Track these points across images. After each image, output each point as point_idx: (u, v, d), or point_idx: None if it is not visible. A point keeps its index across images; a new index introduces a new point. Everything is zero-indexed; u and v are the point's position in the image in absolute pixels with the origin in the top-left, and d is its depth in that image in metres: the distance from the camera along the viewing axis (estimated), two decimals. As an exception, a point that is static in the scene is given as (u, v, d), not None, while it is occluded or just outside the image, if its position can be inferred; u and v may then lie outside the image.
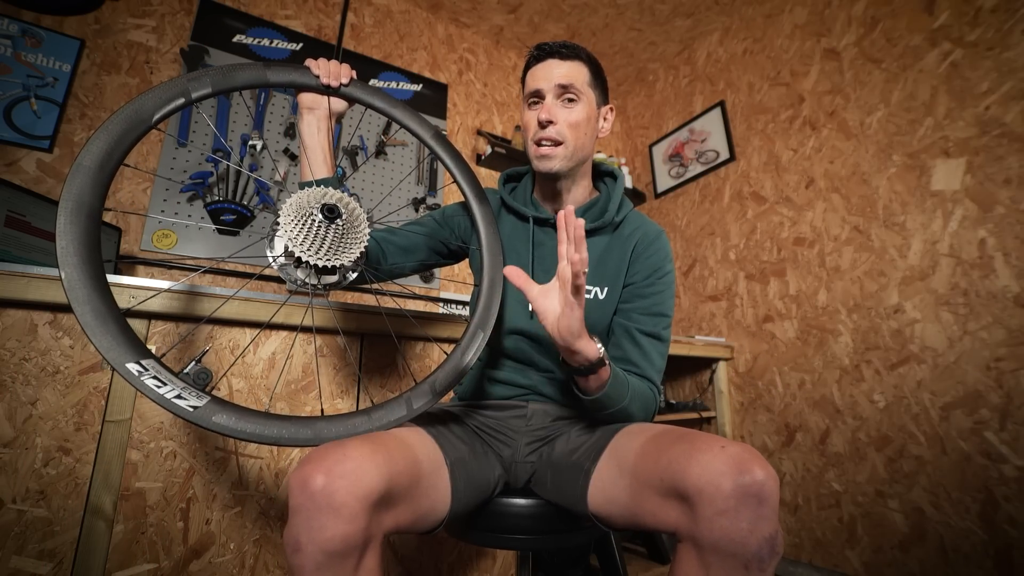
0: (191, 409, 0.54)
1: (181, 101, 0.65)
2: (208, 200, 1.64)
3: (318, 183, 0.76)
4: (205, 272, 1.61)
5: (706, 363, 2.10)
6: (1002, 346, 1.34)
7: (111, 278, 0.85)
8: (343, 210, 0.64)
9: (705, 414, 2.00)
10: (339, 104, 0.80)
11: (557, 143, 0.81)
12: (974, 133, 1.46)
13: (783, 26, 2.08)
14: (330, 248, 0.63)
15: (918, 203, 1.56)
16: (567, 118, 0.81)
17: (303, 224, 0.62)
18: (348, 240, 0.65)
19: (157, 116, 0.62)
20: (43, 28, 1.50)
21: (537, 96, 0.83)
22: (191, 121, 1.68)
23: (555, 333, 0.65)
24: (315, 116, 0.78)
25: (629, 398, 0.73)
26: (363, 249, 0.66)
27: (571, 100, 0.82)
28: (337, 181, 0.79)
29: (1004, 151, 1.39)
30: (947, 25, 1.55)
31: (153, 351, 0.90)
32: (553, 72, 0.82)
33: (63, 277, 0.52)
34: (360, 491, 0.51)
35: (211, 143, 1.70)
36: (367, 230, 0.67)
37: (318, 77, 0.76)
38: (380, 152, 2.06)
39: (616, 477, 0.64)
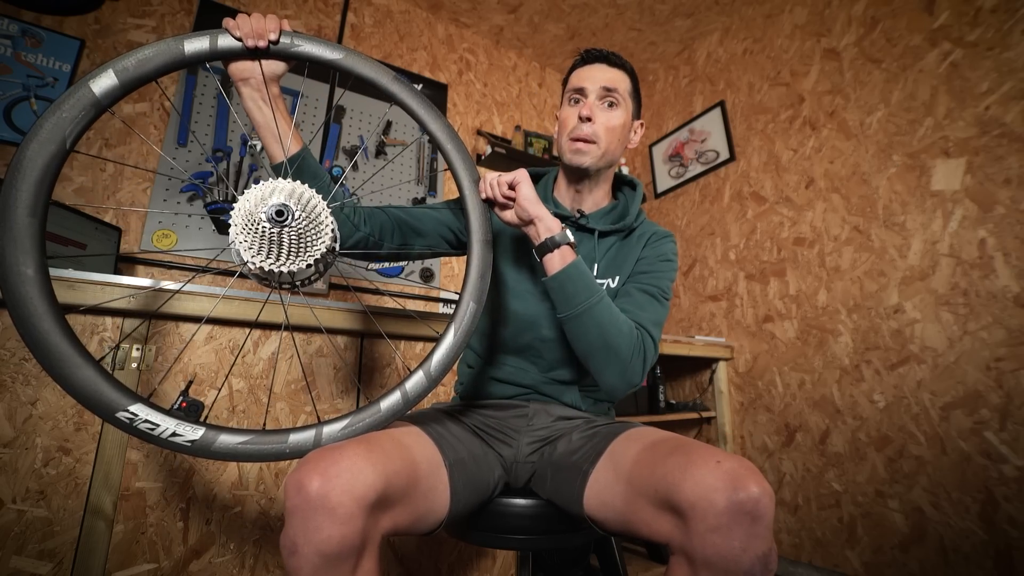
0: (189, 444, 0.55)
1: (92, 113, 0.56)
2: (208, 200, 1.64)
3: (273, 169, 0.72)
4: (204, 272, 1.61)
5: (706, 363, 2.10)
6: (1002, 346, 1.34)
7: (111, 278, 0.85)
8: (294, 208, 0.57)
9: (705, 414, 2.00)
10: (275, 66, 0.68)
11: (591, 141, 0.82)
12: (974, 133, 1.46)
13: (783, 26, 2.08)
14: (290, 251, 0.58)
15: (918, 203, 1.56)
16: (606, 121, 0.83)
17: (254, 233, 0.56)
18: (308, 236, 0.59)
19: (72, 138, 0.55)
20: (43, 28, 1.50)
21: (580, 93, 0.85)
22: (191, 121, 1.68)
23: (513, 218, 0.75)
24: (251, 87, 0.68)
25: (599, 301, 0.71)
26: (329, 241, 0.61)
27: (612, 104, 0.84)
28: (308, 156, 0.73)
29: (1004, 151, 1.39)
30: (947, 25, 1.55)
31: (152, 352, 0.90)
32: (599, 74, 0.84)
33: (26, 338, 0.50)
34: (356, 492, 0.51)
35: (211, 143, 1.70)
36: (329, 219, 0.61)
37: (241, 40, 0.64)
38: (380, 152, 2.06)
39: (612, 482, 0.64)
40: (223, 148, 1.71)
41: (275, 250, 0.57)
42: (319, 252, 0.60)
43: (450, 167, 0.75)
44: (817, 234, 1.83)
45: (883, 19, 1.72)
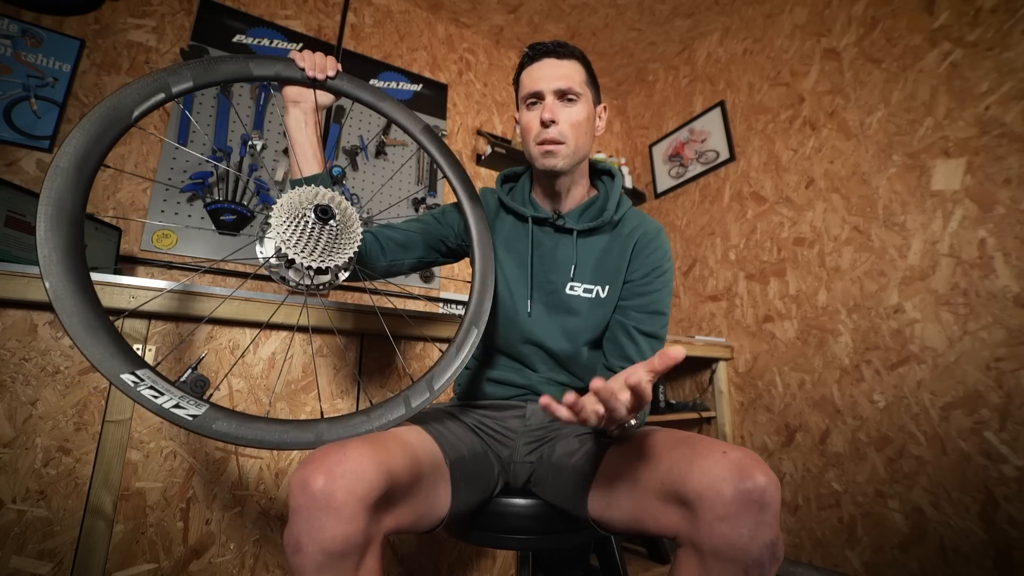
0: (190, 418, 0.54)
1: (161, 96, 0.62)
2: (208, 200, 1.64)
3: (308, 180, 0.75)
4: (205, 272, 1.61)
5: (706, 363, 2.10)
6: (1002, 346, 1.34)
7: (111, 278, 0.85)
8: (336, 211, 0.63)
9: (705, 414, 2.00)
10: (325, 97, 0.79)
11: (559, 142, 0.80)
12: (974, 133, 1.46)
13: (783, 26, 2.08)
14: (324, 249, 0.62)
15: (918, 203, 1.56)
16: (568, 118, 0.80)
17: (296, 225, 0.60)
18: (342, 241, 0.64)
19: (137, 113, 0.60)
20: (43, 28, 1.50)
21: (536, 97, 0.82)
22: (191, 120, 1.68)
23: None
24: (301, 110, 0.77)
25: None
26: (356, 249, 0.65)
27: (571, 100, 0.81)
28: (327, 177, 0.78)
29: (1004, 151, 1.39)
30: (947, 25, 1.55)
31: (152, 352, 0.90)
32: (551, 72, 0.81)
33: (48, 288, 0.50)
34: (360, 491, 0.51)
35: (211, 143, 1.70)
36: (360, 230, 0.67)
37: (303, 70, 0.74)
38: (380, 152, 2.06)
39: (616, 481, 0.64)
40: (223, 148, 1.71)
41: (310, 246, 0.61)
42: (348, 256, 0.64)
43: (463, 219, 0.85)
44: (817, 234, 1.83)
45: (883, 19, 1.72)
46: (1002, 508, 1.29)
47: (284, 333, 1.03)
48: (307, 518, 0.50)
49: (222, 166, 1.55)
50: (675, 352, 0.48)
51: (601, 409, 0.50)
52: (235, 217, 1.66)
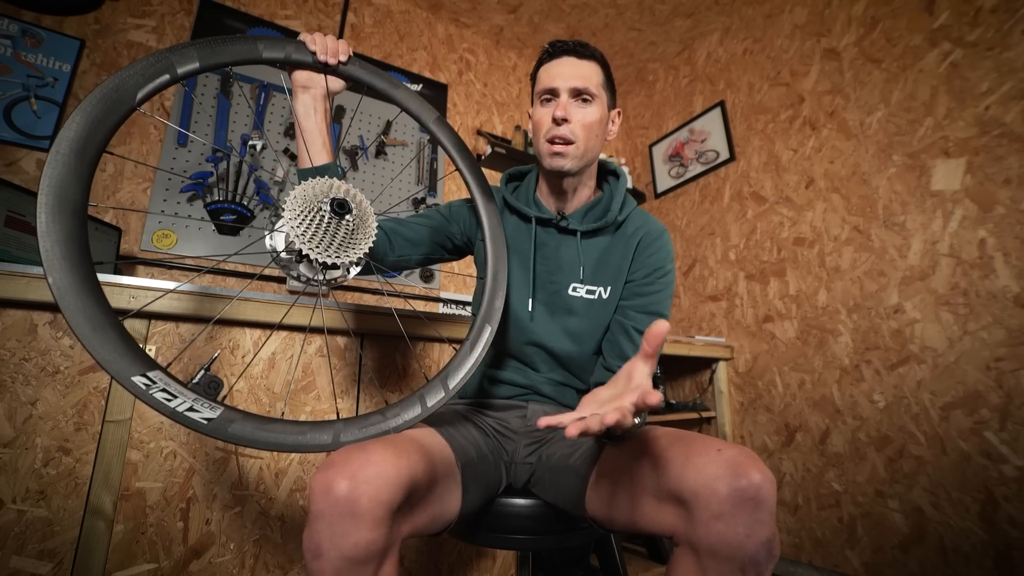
0: (205, 422, 0.52)
1: (166, 78, 0.58)
2: (208, 200, 1.64)
3: (317, 170, 0.73)
4: (207, 272, 1.61)
5: (706, 363, 2.10)
6: (1002, 346, 1.34)
7: (111, 278, 0.85)
8: (353, 205, 0.61)
9: (705, 414, 2.00)
10: (336, 83, 0.76)
11: (569, 142, 0.79)
12: (974, 133, 1.46)
13: (783, 26, 2.08)
14: (340, 244, 0.60)
15: (918, 203, 1.56)
16: (581, 118, 0.80)
17: (310, 219, 0.58)
18: (357, 236, 0.62)
19: (140, 95, 0.56)
20: (43, 28, 1.50)
21: (551, 93, 0.81)
22: (191, 120, 1.68)
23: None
24: (311, 96, 0.73)
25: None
26: (372, 244, 0.64)
27: (585, 101, 0.81)
28: (336, 167, 0.76)
29: (1004, 151, 1.39)
30: (947, 25, 1.55)
31: (152, 351, 0.90)
32: (569, 71, 0.80)
33: (51, 283, 0.47)
34: (384, 497, 0.50)
35: (211, 142, 1.70)
36: (375, 225, 0.65)
37: (314, 54, 0.71)
38: (380, 152, 2.06)
39: (613, 480, 0.64)
40: (223, 148, 1.71)
41: (326, 240, 0.59)
42: (363, 250, 0.62)
43: (475, 212, 0.86)
44: (817, 234, 1.83)
45: (883, 19, 1.72)
46: (1002, 508, 1.29)
47: (283, 333, 1.03)
48: (329, 523, 0.49)
49: (225, 163, 1.55)
50: (657, 328, 0.49)
51: (608, 419, 0.47)
52: (235, 217, 1.66)
